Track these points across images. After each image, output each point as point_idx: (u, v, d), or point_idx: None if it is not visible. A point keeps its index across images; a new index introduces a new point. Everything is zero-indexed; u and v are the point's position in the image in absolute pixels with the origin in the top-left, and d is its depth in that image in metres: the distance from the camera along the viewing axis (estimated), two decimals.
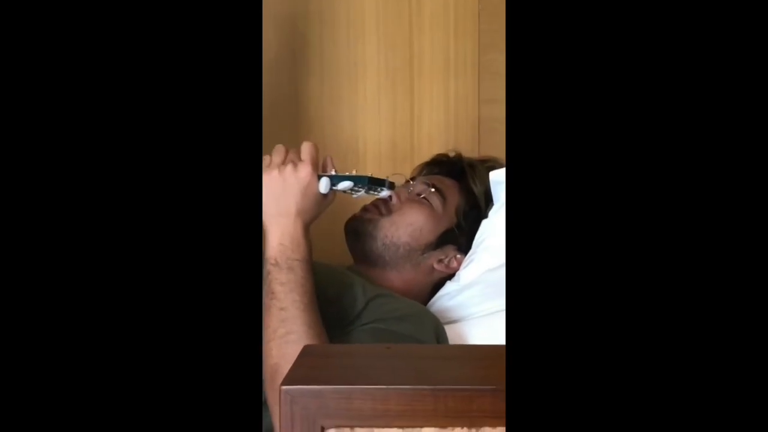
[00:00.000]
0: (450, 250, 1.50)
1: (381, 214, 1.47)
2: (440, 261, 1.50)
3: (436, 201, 1.49)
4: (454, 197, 1.52)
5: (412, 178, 1.56)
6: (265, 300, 1.24)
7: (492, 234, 1.48)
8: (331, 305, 1.30)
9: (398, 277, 1.48)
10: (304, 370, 0.79)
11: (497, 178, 1.50)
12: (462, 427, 0.72)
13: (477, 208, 1.53)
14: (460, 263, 1.50)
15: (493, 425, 0.72)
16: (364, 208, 1.48)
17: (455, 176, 1.55)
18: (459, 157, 1.60)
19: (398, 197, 1.47)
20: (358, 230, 1.48)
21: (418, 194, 1.50)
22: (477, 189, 1.53)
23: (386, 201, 1.46)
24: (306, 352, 0.85)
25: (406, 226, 1.47)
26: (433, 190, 1.50)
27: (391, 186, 1.41)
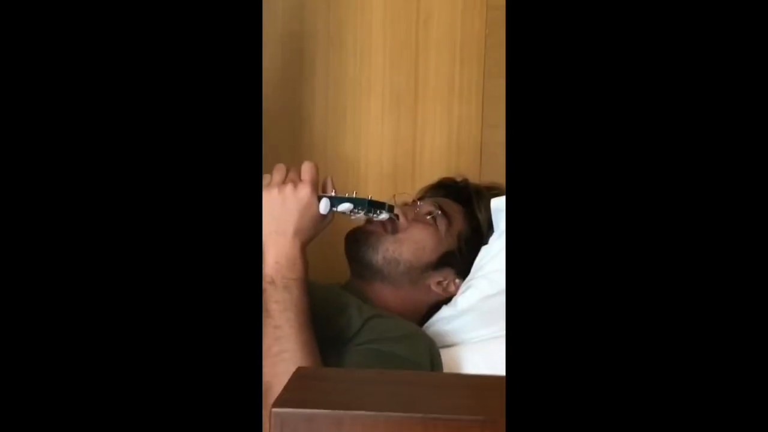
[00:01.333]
0: (449, 273, 1.50)
1: (386, 231, 1.47)
2: (438, 283, 1.50)
3: (441, 223, 1.49)
4: (458, 221, 1.52)
5: (420, 199, 1.56)
6: None
7: (490, 261, 1.48)
8: (327, 325, 1.30)
9: (395, 293, 1.47)
10: (295, 392, 0.79)
11: (498, 206, 1.50)
12: None
13: (479, 235, 1.53)
14: (457, 288, 1.50)
15: None
16: (370, 221, 1.47)
17: (461, 201, 1.55)
18: (466, 183, 1.60)
19: (405, 217, 1.47)
20: (360, 241, 1.47)
21: (426, 214, 1.50)
22: (481, 216, 1.53)
23: (392, 220, 1.45)
24: (299, 375, 0.85)
25: (410, 244, 1.47)
26: (440, 212, 1.50)
27: (391, 209, 1.41)
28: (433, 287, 1.50)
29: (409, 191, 1.63)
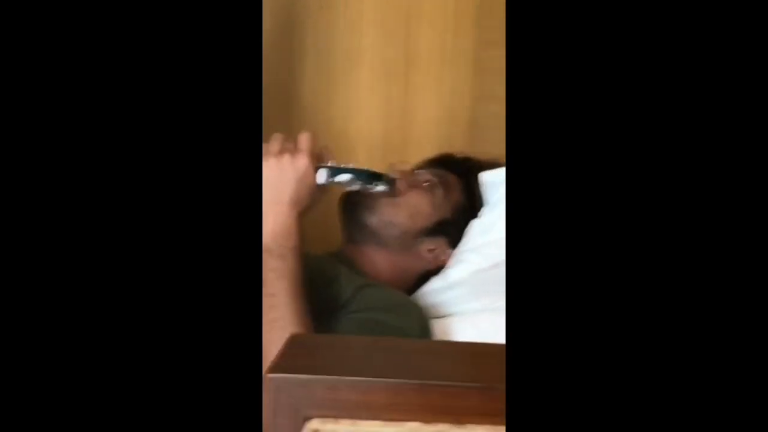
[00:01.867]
0: (442, 242, 1.51)
1: (383, 195, 1.46)
2: (431, 250, 1.50)
3: (439, 191, 1.50)
4: (456, 192, 1.53)
5: (419, 169, 1.57)
6: None
7: (481, 234, 1.49)
8: (318, 294, 1.31)
9: (387, 258, 1.48)
10: (290, 359, 0.79)
11: (488, 179, 1.51)
12: (447, 424, 0.73)
13: (474, 208, 1.53)
14: (448, 257, 1.51)
15: (479, 422, 0.72)
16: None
17: (460, 174, 1.56)
18: (466, 158, 1.61)
19: (403, 182, 1.47)
20: (356, 203, 1.47)
21: (424, 182, 1.50)
22: (478, 190, 1.54)
23: (391, 186, 1.45)
24: (293, 342, 0.85)
25: (407, 208, 1.47)
26: (437, 180, 1.51)
27: (389, 182, 1.41)
28: (425, 254, 1.50)
29: (400, 163, 1.63)
